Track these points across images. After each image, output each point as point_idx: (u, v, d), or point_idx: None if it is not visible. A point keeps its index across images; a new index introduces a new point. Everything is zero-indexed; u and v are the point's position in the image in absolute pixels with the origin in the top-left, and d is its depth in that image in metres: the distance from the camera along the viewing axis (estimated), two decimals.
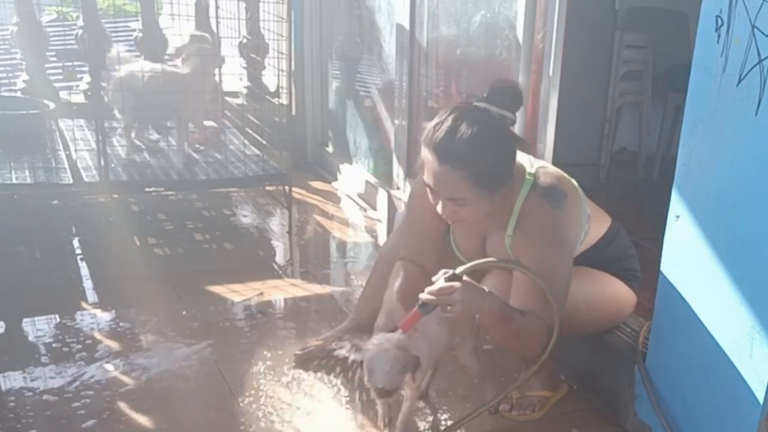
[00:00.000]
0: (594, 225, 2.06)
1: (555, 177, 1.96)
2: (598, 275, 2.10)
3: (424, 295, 1.79)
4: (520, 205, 1.92)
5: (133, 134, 3.81)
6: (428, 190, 1.89)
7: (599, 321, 2.15)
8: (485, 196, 1.84)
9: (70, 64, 4.45)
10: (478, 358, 2.07)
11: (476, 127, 1.78)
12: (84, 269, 3.07)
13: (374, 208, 3.94)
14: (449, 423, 2.10)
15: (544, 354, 1.92)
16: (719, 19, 1.68)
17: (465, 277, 1.81)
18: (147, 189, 3.54)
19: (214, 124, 4.17)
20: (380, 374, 1.76)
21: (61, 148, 3.67)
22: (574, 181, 2.01)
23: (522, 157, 1.96)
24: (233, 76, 4.80)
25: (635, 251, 2.21)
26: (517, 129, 2.65)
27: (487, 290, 1.84)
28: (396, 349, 1.78)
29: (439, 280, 1.79)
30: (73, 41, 4.48)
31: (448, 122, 1.80)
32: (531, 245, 1.91)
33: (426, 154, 1.83)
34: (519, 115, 2.68)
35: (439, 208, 1.89)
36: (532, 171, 1.94)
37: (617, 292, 2.15)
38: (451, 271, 1.79)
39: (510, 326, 1.85)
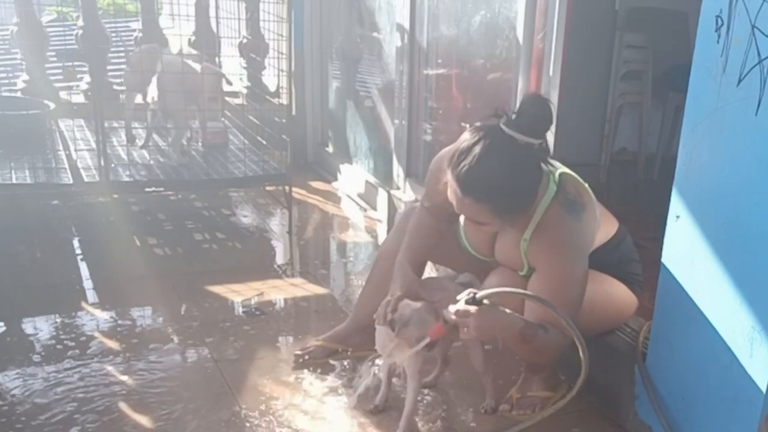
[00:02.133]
0: (602, 228, 2.07)
1: (576, 186, 1.97)
2: (600, 277, 2.10)
3: (446, 313, 1.81)
4: (541, 212, 1.92)
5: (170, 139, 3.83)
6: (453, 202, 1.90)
7: (600, 322, 2.15)
8: (506, 220, 1.88)
9: (70, 64, 4.46)
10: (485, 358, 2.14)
11: (500, 164, 1.77)
12: (84, 269, 3.07)
13: (374, 208, 3.94)
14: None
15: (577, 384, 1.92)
16: (719, 19, 1.68)
17: (485, 301, 1.79)
18: (147, 189, 3.54)
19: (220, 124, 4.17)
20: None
21: (61, 148, 3.67)
22: (588, 188, 2.02)
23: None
24: (233, 76, 4.80)
25: (638, 256, 2.22)
26: None
27: (508, 312, 1.82)
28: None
29: (461, 300, 1.80)
30: (73, 41, 4.48)
31: (473, 154, 1.78)
32: (549, 254, 1.92)
33: (450, 179, 1.84)
34: None
35: (463, 222, 1.96)
36: (556, 179, 1.94)
37: (619, 294, 2.15)
38: (473, 293, 1.79)
39: (531, 344, 1.87)
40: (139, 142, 3.86)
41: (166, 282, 2.95)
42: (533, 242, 1.94)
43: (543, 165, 1.88)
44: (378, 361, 2.16)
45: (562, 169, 2.00)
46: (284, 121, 3.70)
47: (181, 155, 3.71)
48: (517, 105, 1.88)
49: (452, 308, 1.81)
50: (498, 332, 1.84)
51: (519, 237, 1.96)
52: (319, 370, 2.35)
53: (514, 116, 1.82)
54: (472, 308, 1.77)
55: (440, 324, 1.85)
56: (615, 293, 2.14)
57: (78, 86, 4.53)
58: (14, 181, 3.23)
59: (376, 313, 2.05)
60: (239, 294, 2.89)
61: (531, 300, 1.87)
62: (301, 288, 3.00)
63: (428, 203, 2.19)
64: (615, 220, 2.15)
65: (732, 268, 1.73)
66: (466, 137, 1.84)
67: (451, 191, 1.86)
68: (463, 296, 1.81)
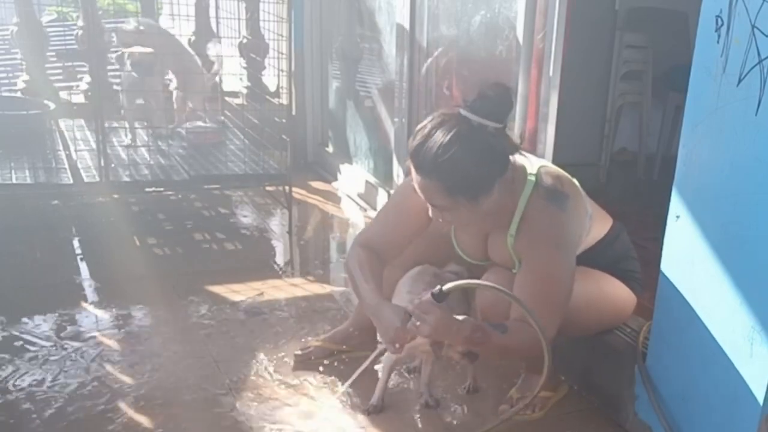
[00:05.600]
0: (596, 225, 2.06)
1: (557, 177, 1.96)
2: (598, 275, 2.10)
3: (409, 307, 1.82)
4: (522, 206, 1.92)
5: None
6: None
7: (599, 321, 2.15)
8: (462, 203, 1.84)
9: (70, 64, 4.46)
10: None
11: (447, 139, 1.76)
12: (84, 269, 3.07)
13: (374, 208, 3.94)
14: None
15: (542, 375, 1.87)
16: (719, 19, 1.68)
17: (444, 303, 1.78)
18: (147, 189, 3.54)
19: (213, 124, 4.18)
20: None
21: (61, 148, 3.67)
22: (575, 181, 2.01)
23: (522, 158, 1.96)
24: (233, 76, 4.81)
25: (636, 253, 2.22)
26: (516, 130, 2.66)
27: (461, 319, 1.80)
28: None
29: (427, 294, 1.79)
30: (73, 41, 4.48)
31: (424, 131, 1.81)
32: (534, 248, 1.91)
33: (409, 161, 1.86)
34: (519, 115, 2.70)
35: (431, 213, 1.92)
36: (534, 171, 1.94)
37: (617, 292, 2.15)
38: (439, 287, 1.78)
39: (487, 347, 1.84)
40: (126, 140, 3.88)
41: (166, 282, 2.96)
42: (519, 236, 1.94)
43: (508, 153, 1.85)
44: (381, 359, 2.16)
45: (542, 163, 2.00)
46: (284, 121, 3.70)
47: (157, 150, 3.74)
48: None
49: (416, 301, 1.81)
50: (448, 335, 1.80)
51: (506, 233, 1.96)
52: (318, 371, 2.35)
53: (472, 100, 1.83)
54: (434, 306, 1.76)
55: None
56: (613, 291, 2.14)
57: (78, 86, 4.53)
58: (14, 181, 3.23)
59: (387, 344, 1.95)
60: (239, 294, 2.89)
61: (503, 294, 1.81)
62: (301, 288, 3.00)
63: (371, 236, 2.15)
64: (609, 217, 2.14)
65: (732, 268, 1.73)
66: (421, 122, 1.86)
67: (412, 175, 1.86)
68: (430, 290, 1.79)
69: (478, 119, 1.79)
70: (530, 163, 1.96)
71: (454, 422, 2.13)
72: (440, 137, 1.77)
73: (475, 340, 1.81)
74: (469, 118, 1.79)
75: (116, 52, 3.83)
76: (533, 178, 1.92)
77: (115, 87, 4.43)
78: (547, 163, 2.04)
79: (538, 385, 1.92)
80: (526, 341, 1.83)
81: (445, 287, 1.77)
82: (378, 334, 2.04)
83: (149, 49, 3.79)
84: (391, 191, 3.73)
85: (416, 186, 1.87)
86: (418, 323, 1.78)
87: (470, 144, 1.78)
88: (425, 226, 2.09)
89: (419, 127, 1.84)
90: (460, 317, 1.80)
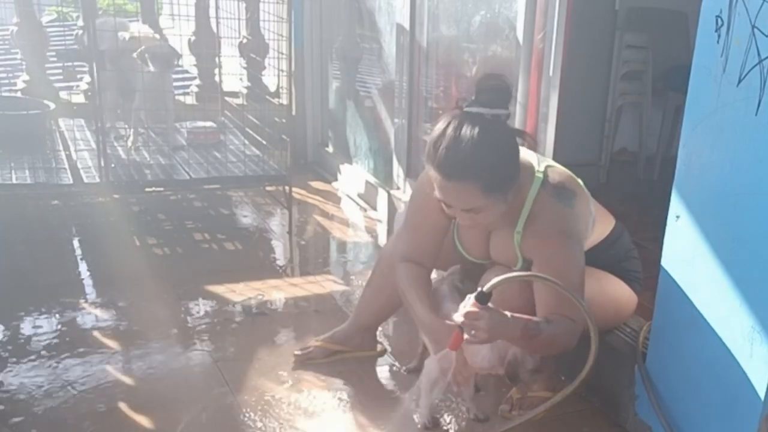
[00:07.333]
0: (598, 226, 2.07)
1: (564, 176, 1.97)
2: (600, 275, 2.10)
3: (458, 317, 1.75)
4: (530, 202, 1.92)
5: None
6: (443, 205, 1.89)
7: (600, 320, 2.14)
8: (499, 199, 1.85)
9: (70, 64, 4.45)
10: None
11: (475, 137, 1.77)
12: (84, 269, 3.07)
13: (374, 208, 3.94)
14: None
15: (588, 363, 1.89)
16: (719, 19, 1.68)
17: (490, 304, 1.75)
18: (147, 189, 3.54)
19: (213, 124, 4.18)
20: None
21: (61, 148, 3.67)
22: (580, 181, 2.02)
23: (529, 155, 1.97)
24: (233, 76, 4.80)
25: (637, 253, 2.22)
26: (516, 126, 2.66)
27: (509, 315, 1.78)
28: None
29: (470, 300, 1.74)
30: (73, 41, 4.47)
31: (447, 137, 1.79)
32: (544, 243, 1.91)
33: (432, 172, 1.83)
34: (519, 113, 2.70)
35: (459, 219, 1.91)
36: (541, 169, 1.94)
37: (618, 292, 2.15)
38: (480, 289, 1.74)
39: (538, 339, 1.84)
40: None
41: (166, 282, 2.95)
42: (527, 233, 1.94)
43: (520, 142, 1.89)
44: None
45: (547, 162, 2.01)
46: (284, 121, 3.70)
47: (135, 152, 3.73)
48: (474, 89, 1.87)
49: (461, 310, 1.75)
50: (505, 333, 1.80)
51: (512, 231, 1.95)
52: (318, 371, 2.35)
53: (473, 97, 1.83)
54: (481, 310, 1.72)
55: (458, 332, 1.77)
56: (614, 291, 2.14)
57: (78, 86, 4.53)
58: (14, 181, 3.23)
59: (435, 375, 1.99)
60: (239, 294, 2.89)
61: (535, 279, 1.84)
62: (301, 288, 3.00)
63: (405, 247, 2.15)
64: (611, 217, 2.15)
65: (732, 268, 1.73)
66: (434, 130, 1.85)
67: (437, 187, 1.84)
68: (472, 295, 1.75)
69: (490, 111, 1.80)
70: (537, 161, 1.97)
71: (461, 423, 2.13)
72: (468, 138, 1.77)
73: (529, 333, 1.81)
74: (482, 112, 1.80)
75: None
76: (541, 176, 1.93)
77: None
78: (552, 162, 2.04)
79: (585, 368, 1.90)
80: (567, 332, 1.85)
81: (486, 287, 1.73)
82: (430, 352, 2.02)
83: (167, 43, 3.78)
84: (391, 191, 3.73)
85: (444, 195, 1.85)
86: (472, 332, 1.73)
87: (496, 137, 1.80)
88: (449, 224, 2.11)
89: (436, 135, 1.81)
90: (507, 313, 1.79)
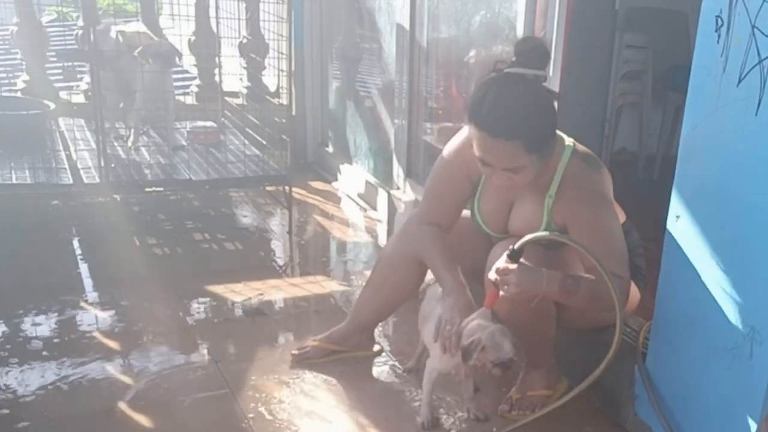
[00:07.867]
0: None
1: (587, 149, 2.01)
2: None
3: (491, 274, 1.84)
4: (563, 168, 1.94)
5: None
6: (480, 164, 1.90)
7: (602, 314, 2.14)
8: (539, 159, 1.87)
9: (70, 64, 4.45)
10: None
11: (519, 95, 1.79)
12: (84, 269, 3.07)
13: (374, 208, 3.94)
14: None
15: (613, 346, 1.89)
16: (719, 19, 1.68)
17: (522, 259, 1.82)
18: (147, 189, 3.54)
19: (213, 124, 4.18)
20: (508, 347, 1.87)
21: (61, 148, 3.67)
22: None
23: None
24: (233, 76, 4.81)
25: (642, 251, 2.22)
26: None
27: (544, 271, 1.83)
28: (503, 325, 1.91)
29: (502, 258, 1.82)
30: (73, 41, 4.47)
31: (491, 96, 1.80)
32: (581, 207, 1.93)
33: (475, 131, 1.84)
34: None
35: (495, 179, 1.91)
36: (570, 140, 1.98)
37: None
38: (511, 247, 1.81)
39: (578, 295, 1.86)
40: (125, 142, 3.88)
41: (166, 282, 2.95)
42: (560, 198, 1.95)
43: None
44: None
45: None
46: (284, 121, 3.70)
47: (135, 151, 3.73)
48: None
49: (494, 267, 1.83)
50: (538, 287, 1.83)
51: (541, 196, 1.97)
52: (318, 371, 2.35)
53: (513, 59, 1.84)
54: (512, 265, 1.80)
55: (494, 289, 1.86)
56: None
57: (78, 86, 4.53)
58: (14, 181, 3.23)
59: (433, 332, 2.03)
60: (239, 294, 2.89)
61: (565, 241, 1.86)
62: (301, 288, 3.00)
63: (428, 213, 2.19)
64: (622, 212, 2.16)
65: (732, 268, 1.73)
66: (474, 92, 1.87)
67: (479, 146, 1.85)
68: (504, 253, 1.83)
69: (531, 71, 1.82)
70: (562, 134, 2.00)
71: (462, 425, 2.13)
72: (514, 97, 1.79)
73: (567, 288, 1.83)
74: (524, 73, 1.81)
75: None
76: (571, 144, 1.97)
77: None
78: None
79: (612, 346, 1.88)
80: (606, 290, 1.83)
81: (517, 245, 1.81)
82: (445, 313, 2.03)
83: (167, 41, 3.77)
84: (391, 191, 3.73)
85: (486, 153, 1.85)
86: (505, 287, 1.81)
87: (539, 97, 1.83)
88: (469, 196, 2.14)
89: (478, 96, 1.83)
90: (543, 270, 1.83)
